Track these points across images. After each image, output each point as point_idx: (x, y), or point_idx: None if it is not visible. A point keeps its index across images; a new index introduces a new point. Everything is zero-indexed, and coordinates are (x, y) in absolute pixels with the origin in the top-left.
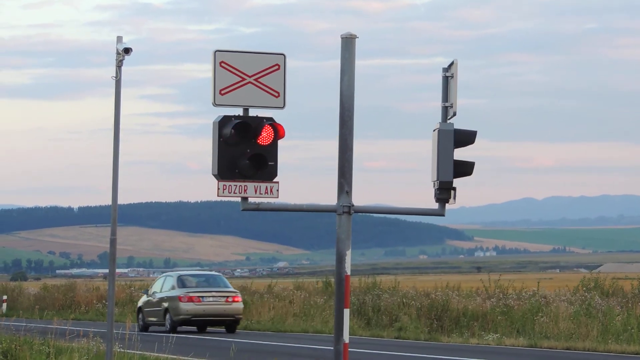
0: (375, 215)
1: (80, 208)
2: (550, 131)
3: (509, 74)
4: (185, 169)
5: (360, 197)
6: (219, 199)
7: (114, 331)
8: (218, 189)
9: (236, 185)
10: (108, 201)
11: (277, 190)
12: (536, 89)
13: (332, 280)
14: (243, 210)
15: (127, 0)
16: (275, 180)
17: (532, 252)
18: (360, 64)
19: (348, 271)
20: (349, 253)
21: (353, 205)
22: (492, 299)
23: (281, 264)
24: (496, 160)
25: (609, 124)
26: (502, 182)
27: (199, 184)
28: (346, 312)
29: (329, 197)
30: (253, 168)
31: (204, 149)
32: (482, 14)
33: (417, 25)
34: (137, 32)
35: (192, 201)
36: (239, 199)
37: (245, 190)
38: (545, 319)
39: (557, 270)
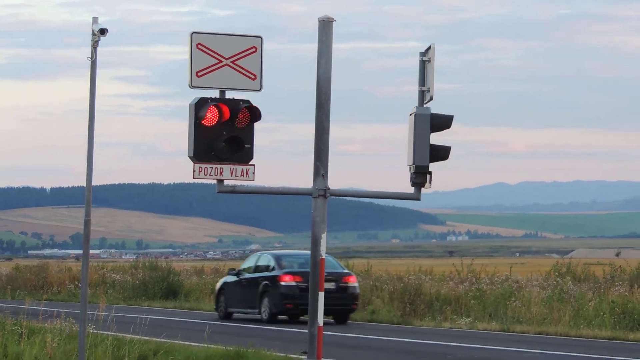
0: (348, 198)
1: (52, 189)
2: (523, 117)
3: (483, 59)
4: (159, 151)
5: (334, 181)
6: (192, 180)
7: (87, 312)
8: (194, 171)
9: (212, 168)
10: (80, 182)
11: (253, 173)
12: (510, 75)
13: None
14: (219, 192)
15: None
16: (251, 162)
17: (504, 237)
18: (335, 47)
19: (323, 254)
20: (324, 236)
21: (329, 189)
22: (464, 283)
23: (254, 247)
24: (470, 145)
25: (583, 110)
26: (475, 167)
27: (172, 165)
28: (321, 295)
29: (303, 180)
30: (229, 150)
31: (178, 131)
32: None
33: (391, 9)
34: (110, 14)
35: (165, 183)
36: (215, 181)
37: (221, 173)
38: (518, 303)
39: (517, 254)
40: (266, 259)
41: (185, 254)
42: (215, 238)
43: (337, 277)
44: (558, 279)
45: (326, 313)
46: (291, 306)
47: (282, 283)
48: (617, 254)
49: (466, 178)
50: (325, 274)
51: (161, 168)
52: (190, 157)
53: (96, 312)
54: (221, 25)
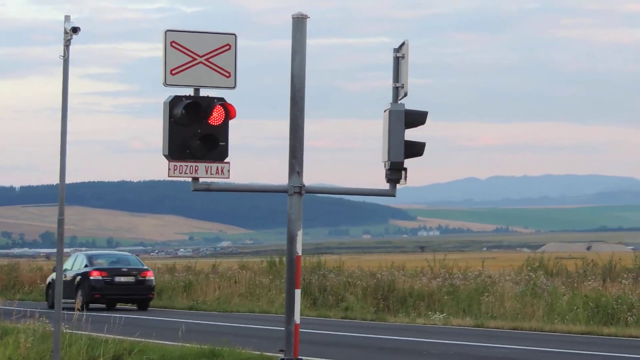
0: (318, 195)
1: (22, 187)
2: (493, 111)
3: (453, 53)
4: (129, 149)
5: (304, 177)
6: (162, 178)
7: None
8: (169, 169)
9: (187, 166)
10: (50, 180)
11: (228, 171)
12: (480, 69)
13: (277, 260)
14: (194, 190)
15: None
16: (226, 160)
17: (475, 232)
18: (307, 43)
19: (299, 252)
20: (300, 233)
21: (304, 186)
22: (437, 279)
23: (225, 244)
24: (440, 140)
25: (552, 104)
26: (445, 162)
27: (143, 163)
28: (297, 293)
29: (273, 176)
30: (204, 148)
31: (148, 129)
32: None
33: (361, 4)
34: (80, 11)
35: (135, 180)
36: (190, 179)
37: (196, 171)
38: (491, 298)
39: (484, 249)
40: (81, 258)
41: (156, 251)
42: (186, 235)
43: (137, 272)
44: (531, 273)
45: (129, 302)
46: (99, 296)
47: (91, 277)
48: (588, 248)
49: (437, 173)
50: (127, 269)
51: (131, 166)
52: (165, 155)
53: (71, 312)
54: (190, 22)
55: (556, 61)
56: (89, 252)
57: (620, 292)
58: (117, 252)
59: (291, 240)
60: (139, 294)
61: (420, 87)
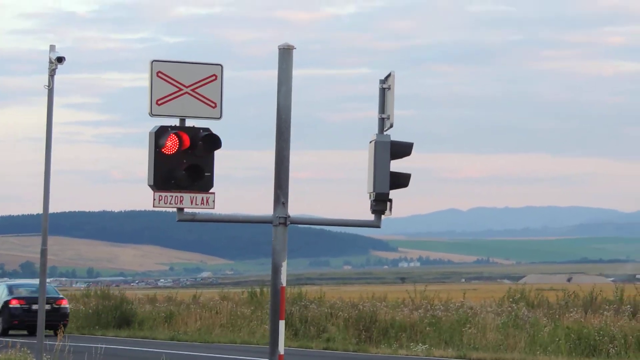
0: (299, 225)
1: (2, 217)
2: (474, 142)
3: (434, 85)
4: (109, 179)
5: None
6: (143, 208)
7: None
8: (154, 199)
9: (172, 196)
10: (30, 210)
11: (213, 201)
12: (461, 101)
13: (258, 290)
14: (179, 220)
15: (51, 8)
16: (211, 191)
17: (456, 263)
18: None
19: (284, 283)
20: (284, 264)
21: (289, 217)
22: (419, 310)
23: (205, 274)
24: (421, 171)
25: (534, 136)
26: (427, 193)
27: (123, 193)
28: (281, 324)
29: (253, 207)
30: (189, 179)
31: (128, 158)
32: (408, 25)
33: (342, 35)
34: (61, 41)
35: (115, 210)
36: (175, 210)
37: (181, 201)
38: (473, 330)
39: (463, 280)
40: (2, 288)
41: (137, 282)
42: (167, 266)
43: (53, 300)
44: (513, 304)
45: (45, 328)
46: (17, 322)
47: (10, 306)
48: (569, 280)
49: (418, 204)
50: (47, 297)
51: (112, 195)
52: (150, 186)
53: (52, 342)
54: (172, 53)
55: (538, 93)
56: (10, 282)
57: (602, 323)
58: (35, 282)
59: (276, 270)
60: (55, 320)
61: (402, 119)
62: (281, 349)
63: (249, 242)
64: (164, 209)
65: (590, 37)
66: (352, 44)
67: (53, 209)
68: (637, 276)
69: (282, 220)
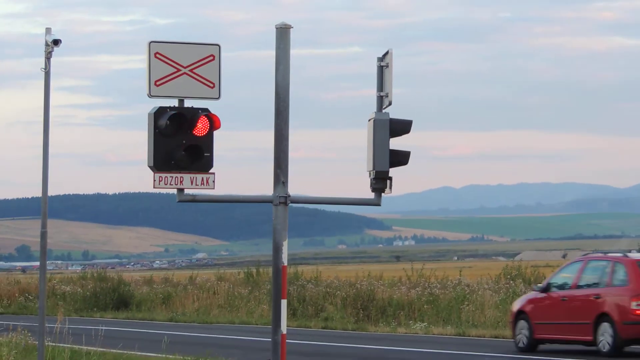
0: (293, 205)
1: None
2: (467, 120)
3: (425, 62)
4: (103, 161)
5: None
6: (137, 190)
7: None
8: (154, 180)
9: (172, 177)
10: (24, 194)
11: (213, 182)
12: (453, 78)
13: (254, 271)
14: (179, 201)
15: None
16: (211, 171)
17: (451, 241)
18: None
19: (285, 262)
20: (285, 244)
21: (289, 196)
22: (417, 288)
23: (200, 255)
24: (414, 149)
25: (526, 112)
26: (420, 171)
27: (117, 175)
28: (283, 303)
29: (246, 187)
30: (189, 159)
31: (122, 141)
32: (398, 3)
33: (333, 15)
34: (52, 24)
35: (110, 193)
36: (175, 191)
37: (181, 182)
38: (471, 307)
39: (455, 258)
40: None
41: (132, 264)
42: (162, 247)
43: None
44: (511, 281)
45: None
46: None
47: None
48: (564, 256)
49: (412, 182)
50: None
51: (106, 178)
52: (150, 167)
53: (52, 325)
54: (163, 34)
55: (529, 69)
56: None
57: None
58: None
59: (277, 250)
60: None
61: (394, 97)
62: (283, 328)
63: (243, 222)
64: (159, 191)
65: (581, 12)
66: (343, 23)
67: (49, 192)
68: (632, 251)
69: (282, 199)
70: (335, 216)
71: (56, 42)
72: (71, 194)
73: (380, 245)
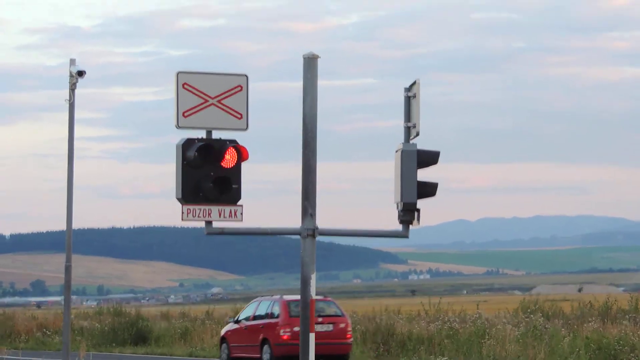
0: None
1: (12, 235)
2: (482, 151)
3: (439, 93)
4: (118, 194)
5: (293, 219)
6: (152, 224)
7: None
8: (182, 212)
9: (200, 209)
10: (40, 228)
11: (242, 214)
12: (468, 109)
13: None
14: (207, 234)
15: (55, 23)
16: (239, 203)
17: (466, 275)
18: (293, 85)
19: (313, 295)
20: (313, 277)
21: (317, 228)
22: (436, 322)
23: (215, 290)
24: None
25: (540, 143)
26: (435, 204)
27: (132, 209)
28: (312, 337)
29: (272, 219)
30: (217, 191)
31: (136, 174)
32: (411, 34)
33: (346, 45)
34: (66, 56)
35: (125, 227)
36: (203, 224)
37: (209, 214)
38: (492, 341)
39: (465, 292)
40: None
41: (147, 299)
42: (176, 282)
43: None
44: (531, 315)
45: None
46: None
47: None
48: (580, 290)
49: (426, 215)
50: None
51: (120, 211)
52: (178, 199)
53: None
54: (177, 65)
55: (543, 99)
56: None
57: (622, 333)
58: None
59: (305, 283)
60: None
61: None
62: None
63: (257, 257)
64: (186, 224)
65: (595, 42)
66: (356, 54)
67: (63, 226)
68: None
69: (310, 232)
70: (351, 250)
71: (81, 74)
72: (85, 228)
73: (396, 280)
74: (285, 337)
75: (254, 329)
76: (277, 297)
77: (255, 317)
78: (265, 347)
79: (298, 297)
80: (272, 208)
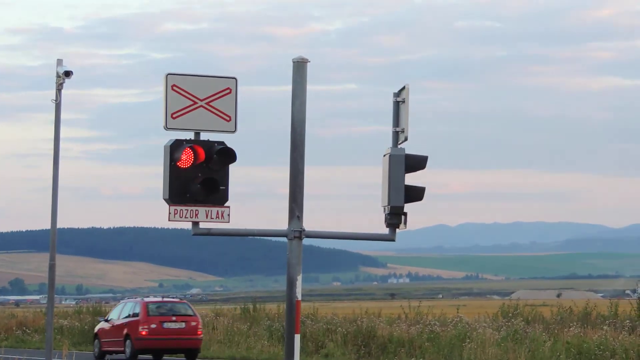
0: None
1: None
2: (463, 158)
3: (421, 100)
4: (98, 195)
5: (278, 223)
6: (132, 225)
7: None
8: (169, 213)
9: (187, 210)
10: (19, 227)
11: (229, 215)
12: (449, 116)
13: (251, 307)
14: (194, 235)
15: (38, 24)
16: (226, 204)
17: (445, 279)
18: (274, 90)
19: (299, 296)
20: (299, 278)
21: (304, 230)
22: (417, 326)
23: (194, 291)
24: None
25: (521, 151)
26: (415, 209)
27: (112, 210)
28: (297, 338)
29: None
30: (205, 192)
31: (117, 175)
32: (394, 40)
33: (328, 51)
34: (48, 57)
35: (104, 227)
36: (189, 224)
37: (196, 215)
38: (473, 345)
39: (440, 296)
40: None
41: (126, 298)
42: (156, 282)
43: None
44: (512, 320)
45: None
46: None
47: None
48: (558, 295)
49: (407, 219)
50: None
51: (101, 212)
52: (165, 200)
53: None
54: (159, 68)
55: (525, 108)
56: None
57: (602, 338)
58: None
59: (291, 284)
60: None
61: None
62: None
63: (237, 259)
64: (173, 225)
65: (577, 52)
66: (339, 60)
67: (42, 225)
68: (627, 292)
69: (297, 234)
70: (330, 253)
71: (67, 74)
72: (66, 227)
73: (375, 283)
74: (143, 333)
75: (120, 327)
76: (139, 299)
77: (120, 317)
78: (128, 342)
79: (158, 299)
80: (252, 209)
